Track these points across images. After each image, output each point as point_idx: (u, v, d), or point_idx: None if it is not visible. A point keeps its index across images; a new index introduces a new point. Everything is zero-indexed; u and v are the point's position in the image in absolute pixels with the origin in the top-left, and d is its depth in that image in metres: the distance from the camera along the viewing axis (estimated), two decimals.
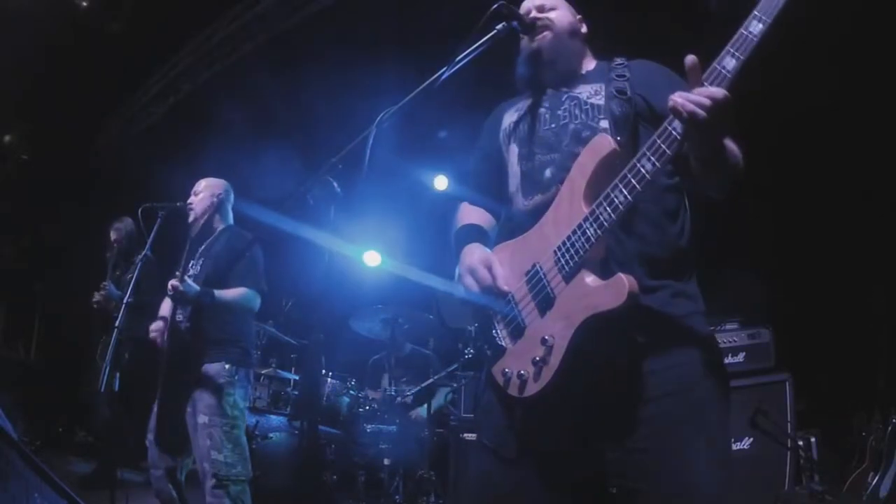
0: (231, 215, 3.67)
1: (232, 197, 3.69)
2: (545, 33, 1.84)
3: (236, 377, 3.26)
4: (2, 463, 1.79)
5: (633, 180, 1.46)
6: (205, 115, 6.45)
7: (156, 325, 3.34)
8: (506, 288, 1.68)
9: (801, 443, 3.63)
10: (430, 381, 4.88)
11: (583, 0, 1.98)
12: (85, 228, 6.90)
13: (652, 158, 1.44)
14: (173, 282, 3.14)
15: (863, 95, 4.12)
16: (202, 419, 3.14)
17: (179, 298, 3.19)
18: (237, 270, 3.36)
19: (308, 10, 5.80)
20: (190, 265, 3.45)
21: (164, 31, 6.31)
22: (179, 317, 3.33)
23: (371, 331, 5.36)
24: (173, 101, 7.11)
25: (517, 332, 1.65)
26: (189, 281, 3.18)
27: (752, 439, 3.67)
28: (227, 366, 3.24)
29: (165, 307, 3.45)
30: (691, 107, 1.34)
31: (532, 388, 1.57)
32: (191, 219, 3.52)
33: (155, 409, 3.32)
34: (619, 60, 1.83)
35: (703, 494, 1.47)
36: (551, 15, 1.86)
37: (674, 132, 1.42)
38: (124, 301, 3.29)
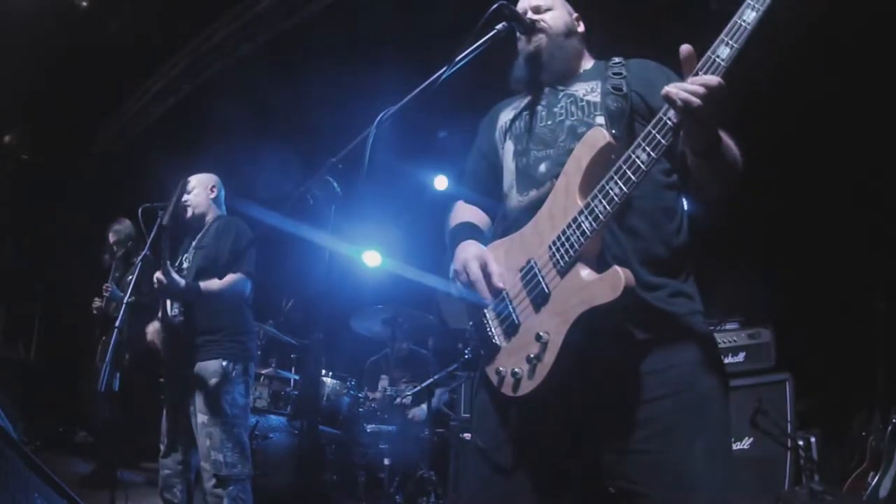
0: (224, 207, 3.67)
1: (223, 190, 3.70)
2: (540, 35, 1.83)
3: (234, 373, 3.19)
4: (2, 463, 1.79)
5: (628, 171, 1.45)
6: (205, 115, 6.45)
7: (152, 327, 3.31)
8: (500, 284, 1.66)
9: (801, 443, 3.63)
10: (430, 381, 4.88)
11: None
12: (85, 228, 6.90)
13: (647, 149, 1.43)
14: (158, 274, 3.10)
15: (865, 95, 4.11)
16: (201, 418, 3.11)
17: (165, 292, 3.15)
18: (226, 257, 3.31)
19: (308, 10, 5.79)
20: (183, 258, 3.45)
21: (164, 31, 6.31)
22: (174, 311, 3.29)
23: (371, 331, 5.37)
24: (173, 101, 7.11)
25: (511, 329, 1.63)
26: (174, 275, 3.11)
27: (752, 439, 3.67)
28: (223, 363, 3.17)
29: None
30: (685, 95, 1.35)
31: (527, 387, 1.55)
32: (189, 215, 3.50)
33: (165, 410, 3.28)
34: (616, 59, 1.83)
35: (704, 495, 1.47)
36: (547, 16, 1.86)
37: (668, 121, 1.42)
38: (124, 301, 3.28)
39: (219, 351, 3.20)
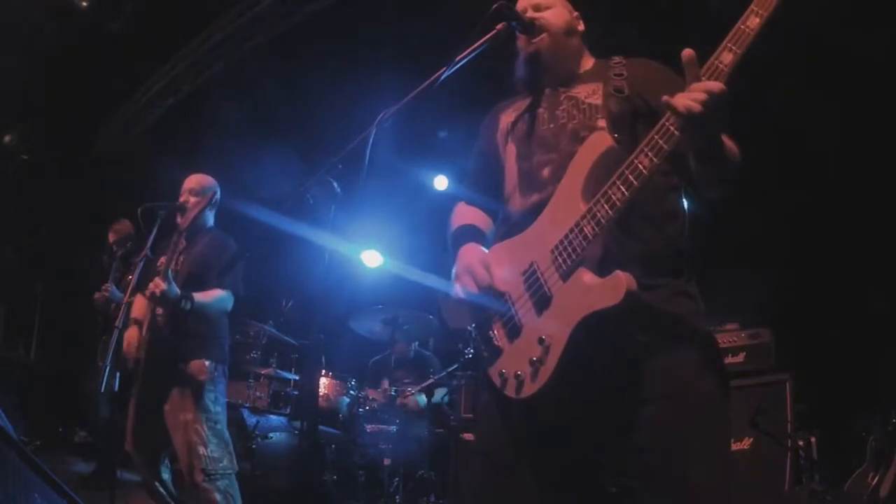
0: (213, 215, 3.69)
1: (219, 195, 3.71)
2: (542, 35, 1.82)
3: (216, 373, 3.31)
4: (2, 463, 1.79)
5: (630, 177, 1.46)
6: (204, 115, 6.45)
7: (128, 347, 3.29)
8: (503, 287, 1.66)
9: (801, 443, 3.62)
10: (431, 381, 4.88)
11: None
12: (85, 228, 6.90)
13: (650, 154, 1.44)
14: (157, 280, 3.12)
15: (863, 95, 4.12)
16: (187, 416, 3.17)
17: (160, 300, 3.19)
18: (216, 272, 3.41)
19: (308, 10, 5.79)
20: (172, 261, 3.44)
21: (164, 31, 6.31)
22: (158, 311, 3.32)
23: (371, 331, 5.37)
24: (173, 101, 7.10)
25: (514, 332, 1.63)
26: (173, 284, 3.17)
27: (752, 439, 3.67)
28: (207, 363, 3.28)
29: (138, 307, 3.42)
30: (687, 101, 1.35)
31: (529, 389, 1.56)
32: (187, 215, 3.50)
33: (131, 409, 3.31)
34: (616, 59, 1.82)
35: (704, 494, 1.47)
36: (547, 14, 1.85)
37: (671, 128, 1.42)
38: (124, 301, 3.29)
39: (204, 352, 3.30)
